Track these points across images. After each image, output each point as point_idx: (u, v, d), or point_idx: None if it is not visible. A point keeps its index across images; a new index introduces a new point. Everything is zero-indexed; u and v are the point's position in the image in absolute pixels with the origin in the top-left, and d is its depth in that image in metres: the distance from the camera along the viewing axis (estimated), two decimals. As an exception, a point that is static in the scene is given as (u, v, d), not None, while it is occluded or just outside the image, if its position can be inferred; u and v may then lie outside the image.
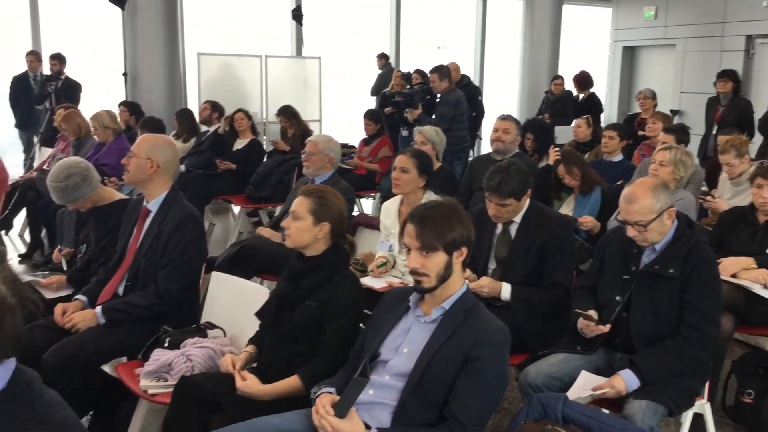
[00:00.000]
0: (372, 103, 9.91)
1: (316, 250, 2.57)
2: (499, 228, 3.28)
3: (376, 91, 10.06)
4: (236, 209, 7.27)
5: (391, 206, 3.79)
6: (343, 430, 1.99)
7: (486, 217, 3.25)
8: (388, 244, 3.68)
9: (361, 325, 2.53)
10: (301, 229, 2.55)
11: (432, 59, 8.18)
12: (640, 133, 6.82)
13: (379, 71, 10.15)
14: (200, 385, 2.45)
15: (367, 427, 2.05)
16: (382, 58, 10.26)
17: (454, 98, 6.75)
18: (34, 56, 8.05)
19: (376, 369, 2.16)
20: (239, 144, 6.93)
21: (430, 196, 3.61)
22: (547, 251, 3.15)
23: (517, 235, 3.22)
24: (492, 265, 3.29)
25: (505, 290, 3.12)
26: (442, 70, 6.84)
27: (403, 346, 2.17)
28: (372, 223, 4.32)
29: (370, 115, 7.42)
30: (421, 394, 2.07)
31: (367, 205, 7.77)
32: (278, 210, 6.31)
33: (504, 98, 11.67)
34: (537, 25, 11.13)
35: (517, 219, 3.23)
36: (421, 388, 2.07)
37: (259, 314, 2.64)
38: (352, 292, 2.52)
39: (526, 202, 3.24)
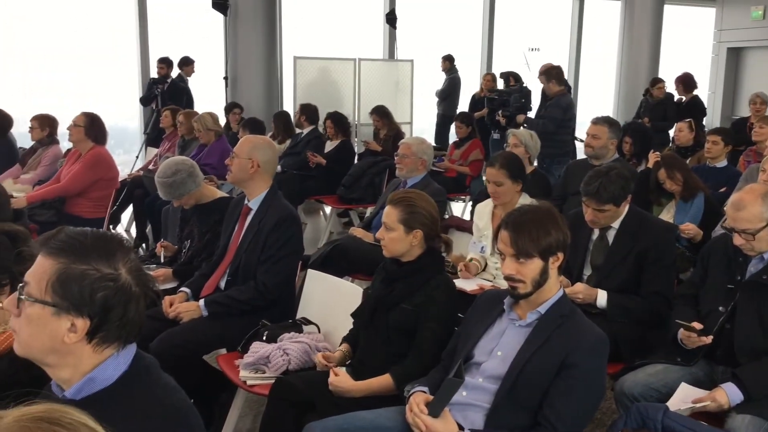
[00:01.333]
0: (462, 106, 9.89)
1: (412, 256, 2.60)
2: (596, 234, 3.22)
3: (444, 94, 10.01)
4: (327, 209, 7.43)
5: (485, 208, 3.77)
6: (436, 429, 2.01)
7: (582, 222, 3.19)
8: (479, 246, 3.68)
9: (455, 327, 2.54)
10: (395, 239, 2.58)
11: (523, 62, 8.10)
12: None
13: (443, 73, 10.09)
14: (295, 387, 2.53)
15: (460, 427, 2.07)
16: (447, 60, 10.18)
17: (566, 102, 6.64)
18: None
19: (469, 371, 2.17)
20: (330, 146, 7.08)
21: (525, 200, 3.58)
22: (646, 259, 3.06)
23: (615, 242, 3.15)
24: (587, 272, 3.22)
25: (601, 297, 3.05)
26: (550, 72, 6.74)
27: (497, 349, 2.17)
28: (463, 225, 4.32)
29: (461, 118, 7.41)
30: (514, 397, 2.07)
31: (457, 208, 7.76)
32: (369, 211, 6.42)
33: (599, 101, 11.37)
34: (636, 26, 10.79)
35: (615, 225, 3.16)
36: (514, 392, 2.07)
37: (355, 315, 2.71)
38: (447, 296, 2.54)
39: (626, 208, 3.16)
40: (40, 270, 1.36)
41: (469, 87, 10.28)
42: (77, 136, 5.00)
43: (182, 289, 3.33)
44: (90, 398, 1.38)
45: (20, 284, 1.38)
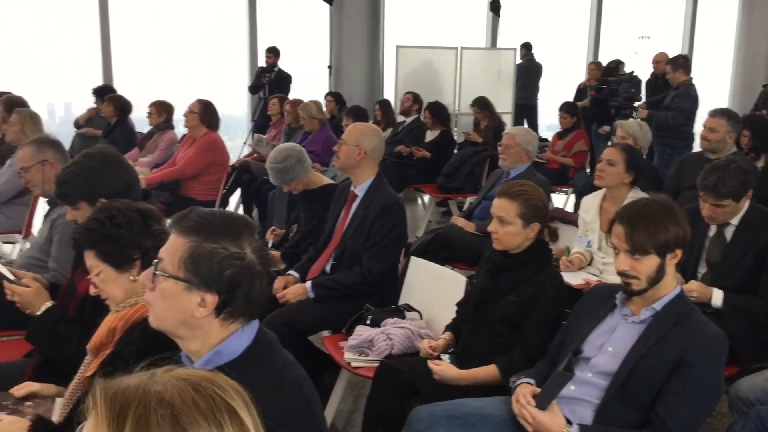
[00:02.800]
0: (566, 95, 9.63)
1: (521, 248, 2.58)
2: (713, 230, 3.08)
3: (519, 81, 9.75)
4: (426, 198, 7.46)
5: (592, 201, 3.68)
6: (543, 421, 2.00)
7: (698, 218, 3.05)
8: (586, 240, 3.59)
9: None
10: (511, 233, 2.54)
11: (633, 50, 7.81)
12: None
13: (519, 61, 9.81)
14: (399, 370, 2.57)
15: (567, 421, 2.04)
16: (524, 48, 9.88)
17: (694, 92, 6.38)
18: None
19: (577, 365, 2.14)
20: (430, 135, 7.09)
21: (637, 194, 3.46)
22: (767, 258, 2.90)
23: (733, 239, 3.00)
24: (702, 269, 3.09)
25: (717, 296, 2.92)
26: (677, 61, 6.47)
27: (608, 345, 2.13)
28: (568, 217, 4.23)
29: (566, 108, 7.23)
30: (625, 394, 2.02)
31: (557, 201, 7.59)
32: (468, 201, 6.39)
33: (714, 92, 10.80)
34: (755, 11, 10.16)
35: (734, 221, 3.01)
36: (626, 389, 2.02)
37: (460, 304, 2.71)
38: (555, 290, 2.51)
39: (746, 204, 3.01)
40: (173, 247, 1.44)
41: (576, 76, 10.00)
42: (192, 122, 5.24)
43: (291, 272, 3.44)
44: (217, 370, 1.46)
45: (155, 260, 1.47)
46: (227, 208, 6.73)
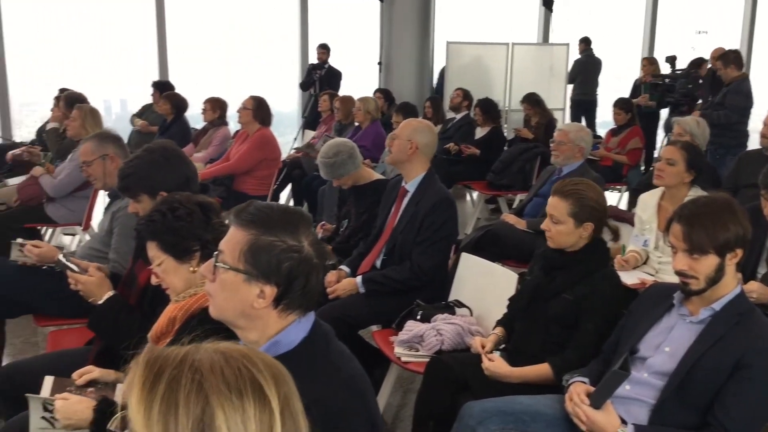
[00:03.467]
0: (622, 91, 9.46)
1: (576, 246, 2.55)
2: (775, 230, 2.99)
3: (571, 78, 9.56)
4: (475, 195, 7.42)
5: (650, 199, 3.61)
6: (597, 420, 1.98)
7: (759, 216, 2.97)
8: (642, 239, 3.52)
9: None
10: (563, 232, 2.52)
11: (690, 45, 7.61)
12: None
13: (578, 56, 9.61)
14: (450, 366, 2.57)
15: (622, 421, 2.01)
16: (583, 42, 9.68)
17: (747, 88, 6.19)
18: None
19: (633, 365, 2.11)
20: (480, 132, 7.05)
21: (697, 192, 3.38)
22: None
23: (796, 239, 2.91)
24: (762, 269, 3.01)
25: (778, 298, 2.84)
26: (727, 56, 6.29)
27: (665, 345, 2.09)
28: (622, 216, 4.15)
29: (620, 104, 7.09)
30: (682, 395, 1.98)
31: (611, 198, 7.46)
32: (518, 198, 6.34)
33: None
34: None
35: (797, 221, 2.92)
36: (683, 390, 1.98)
37: (512, 301, 2.70)
38: (611, 289, 2.47)
39: (811, 204, 2.91)
40: (233, 240, 1.47)
41: (632, 72, 9.80)
42: (246, 118, 5.32)
43: (342, 267, 3.47)
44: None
45: (215, 252, 1.51)
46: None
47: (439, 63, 9.41)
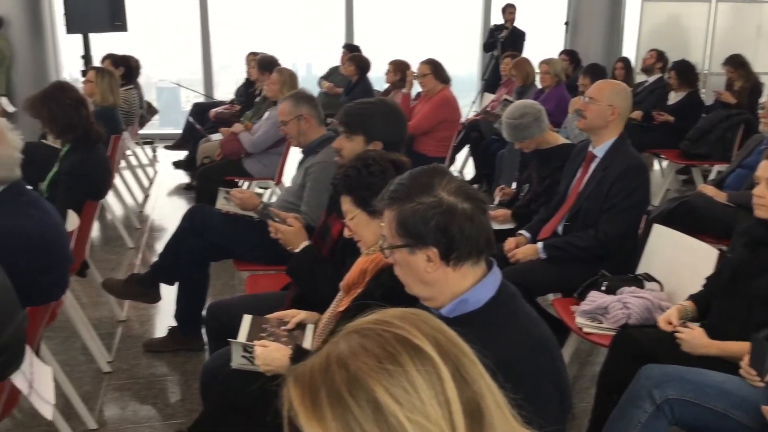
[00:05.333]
0: None
1: (789, 221, 2.31)
2: None
3: None
4: (665, 164, 6.97)
5: None
6: None
7: None
8: None
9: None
10: None
11: None
12: None
13: None
14: (637, 340, 2.46)
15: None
16: None
17: None
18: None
19: None
20: (674, 97, 6.55)
21: None
22: None
23: None
24: None
25: None
26: None
27: None
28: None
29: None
30: None
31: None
32: (714, 169, 5.85)
33: None
34: None
35: None
36: None
37: (710, 279, 2.51)
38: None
39: None
40: (387, 222, 1.52)
41: None
42: (430, 84, 5.38)
43: (522, 232, 3.42)
44: (461, 318, 1.50)
45: (380, 241, 1.57)
46: (455, 165, 6.86)
47: (630, 22, 8.84)
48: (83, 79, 6.02)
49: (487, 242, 1.50)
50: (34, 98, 3.44)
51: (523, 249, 3.27)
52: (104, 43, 7.55)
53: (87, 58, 7.39)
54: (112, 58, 6.38)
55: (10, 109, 6.63)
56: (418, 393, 0.80)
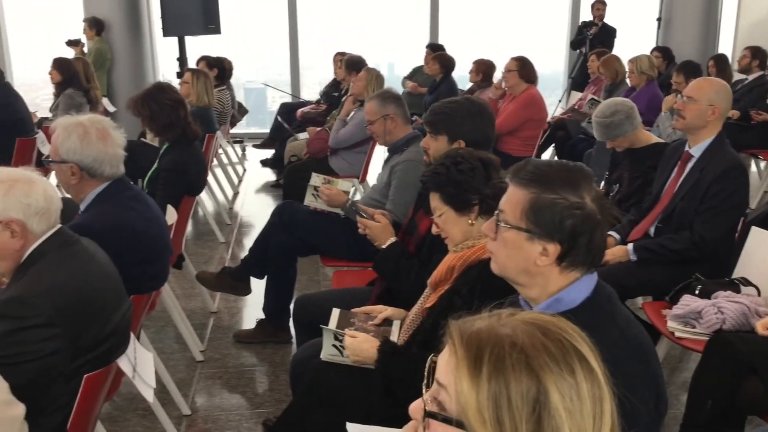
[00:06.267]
0: None
1: None
2: None
3: None
4: (762, 165, 6.65)
5: None
6: None
7: None
8: None
9: None
10: None
11: None
12: None
13: None
14: (733, 345, 2.37)
15: None
16: None
17: None
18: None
19: None
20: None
21: None
22: None
23: None
24: None
25: None
26: None
27: None
28: None
29: None
30: None
31: None
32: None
33: None
34: None
35: None
36: None
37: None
38: None
39: None
40: (514, 199, 1.48)
41: None
42: (512, 80, 5.32)
43: (611, 234, 3.34)
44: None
45: (496, 211, 1.53)
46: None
47: (727, 17, 8.46)
48: (178, 80, 6.30)
49: (600, 257, 1.49)
50: (135, 98, 3.63)
51: (613, 250, 3.19)
52: (196, 46, 7.85)
53: (182, 60, 7.70)
54: (207, 60, 6.63)
55: (111, 108, 7.00)
56: (582, 406, 0.87)
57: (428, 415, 0.92)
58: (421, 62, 7.94)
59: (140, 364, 2.06)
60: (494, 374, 0.86)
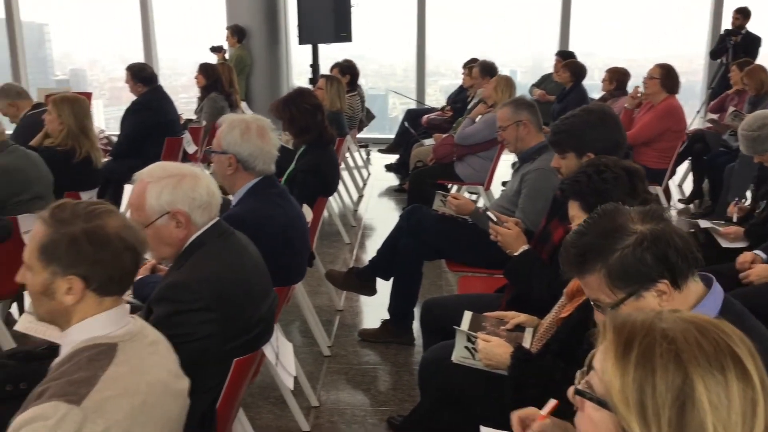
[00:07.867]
0: None
1: None
2: None
3: None
4: None
5: None
6: None
7: None
8: None
9: None
10: None
11: None
12: None
13: None
14: None
15: None
16: None
17: None
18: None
19: None
20: None
21: None
22: None
23: None
24: None
25: None
26: None
27: None
28: None
29: None
30: None
31: None
32: None
33: None
34: None
35: None
36: None
37: None
38: None
39: None
40: (593, 286, 1.52)
41: None
42: (653, 88, 5.13)
43: (757, 252, 3.16)
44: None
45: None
46: (674, 178, 6.47)
47: None
48: (311, 86, 6.54)
49: (692, 248, 1.48)
50: (278, 102, 3.83)
51: (758, 269, 3.02)
52: (324, 53, 8.13)
53: (315, 66, 7.99)
54: (340, 67, 6.85)
55: (249, 112, 7.36)
56: (729, 404, 0.88)
57: (577, 392, 0.99)
58: (547, 71, 7.83)
59: (282, 353, 2.18)
60: (641, 361, 0.91)
